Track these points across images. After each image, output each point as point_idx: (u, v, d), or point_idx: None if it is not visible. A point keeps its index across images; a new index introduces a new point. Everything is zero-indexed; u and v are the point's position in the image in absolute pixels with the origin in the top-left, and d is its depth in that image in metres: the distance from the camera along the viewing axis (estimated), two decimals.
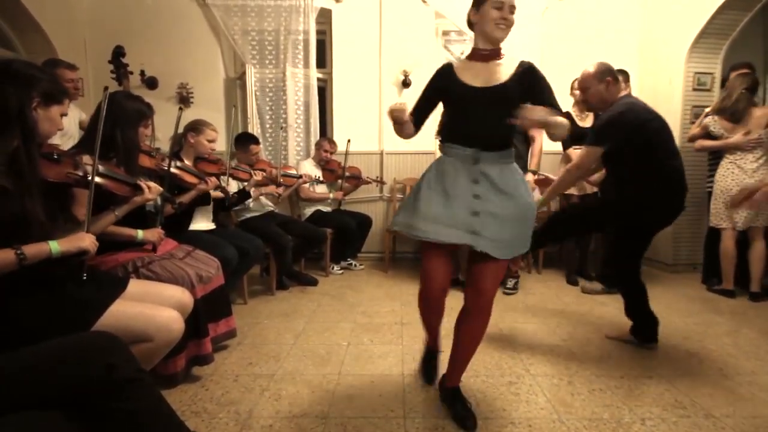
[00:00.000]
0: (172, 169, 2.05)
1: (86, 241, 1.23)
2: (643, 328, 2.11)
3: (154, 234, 1.75)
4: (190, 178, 2.22)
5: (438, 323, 1.67)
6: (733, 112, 2.87)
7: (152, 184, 1.63)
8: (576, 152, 2.24)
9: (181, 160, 2.30)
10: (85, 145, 1.57)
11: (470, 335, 1.54)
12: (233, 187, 2.86)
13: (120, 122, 1.61)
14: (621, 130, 1.94)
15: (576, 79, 3.32)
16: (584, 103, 2.15)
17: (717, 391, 1.71)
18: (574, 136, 2.58)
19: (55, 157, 1.28)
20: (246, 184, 2.87)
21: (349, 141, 3.91)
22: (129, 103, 1.69)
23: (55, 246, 1.14)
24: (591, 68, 2.07)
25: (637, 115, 1.96)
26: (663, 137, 2.00)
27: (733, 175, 2.90)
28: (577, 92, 3.31)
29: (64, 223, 1.27)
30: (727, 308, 2.72)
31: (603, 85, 2.04)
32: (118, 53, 2.92)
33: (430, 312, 1.61)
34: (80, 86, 2.74)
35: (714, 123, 2.97)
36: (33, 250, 1.10)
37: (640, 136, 1.94)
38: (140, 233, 1.70)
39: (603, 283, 3.05)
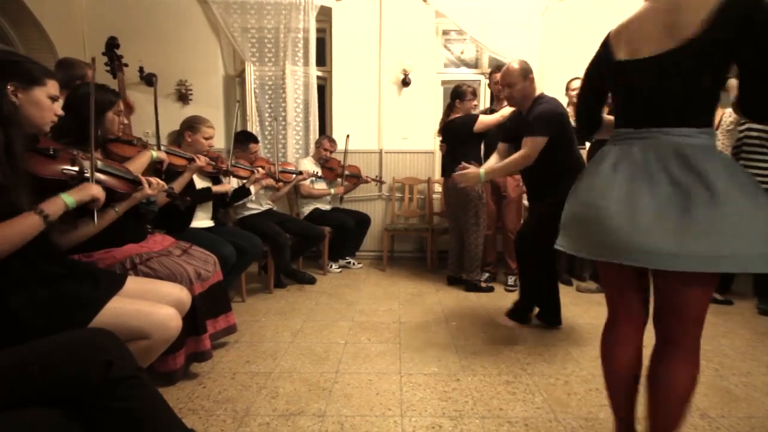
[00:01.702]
0: (158, 154, 1.95)
1: (94, 189, 1.26)
2: (554, 310, 2.37)
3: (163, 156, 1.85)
4: (178, 161, 2.17)
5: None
6: None
7: (153, 179, 1.62)
8: (503, 145, 2.41)
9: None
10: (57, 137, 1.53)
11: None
12: (233, 184, 2.85)
13: (84, 113, 1.57)
14: (559, 121, 2.12)
15: (572, 79, 3.33)
16: (507, 99, 2.26)
17: (712, 392, 1.71)
18: None
19: (51, 152, 1.26)
20: (246, 181, 2.87)
21: (348, 137, 3.90)
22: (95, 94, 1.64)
23: (68, 198, 1.18)
24: (515, 65, 2.18)
25: (562, 109, 2.18)
26: (572, 128, 2.20)
27: None
28: (572, 93, 3.33)
29: (60, 223, 1.25)
30: (724, 309, 2.73)
31: (527, 82, 2.18)
32: (112, 44, 2.81)
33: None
34: None
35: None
36: (51, 207, 1.12)
37: (565, 126, 2.15)
38: (154, 152, 1.78)
39: (598, 282, 3.10)
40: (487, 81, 3.33)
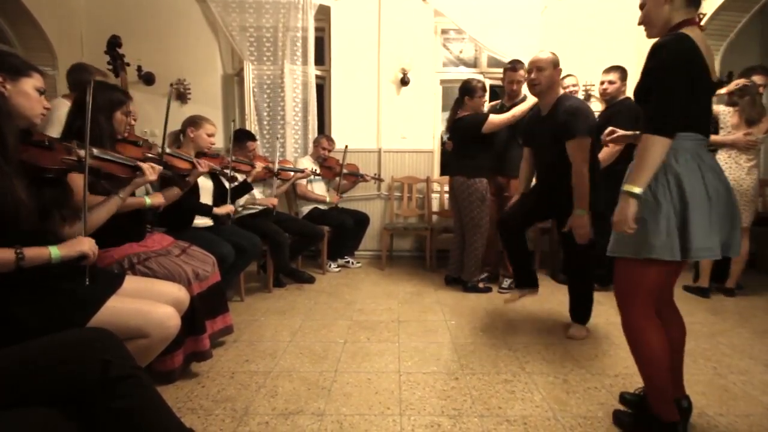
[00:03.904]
0: (152, 200, 1.95)
1: (85, 245, 1.22)
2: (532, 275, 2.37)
3: (158, 197, 1.77)
4: (181, 164, 2.14)
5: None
6: (753, 119, 2.90)
7: (153, 164, 1.60)
8: (528, 149, 2.41)
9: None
10: (67, 136, 1.52)
11: None
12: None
13: (93, 112, 1.58)
14: (591, 119, 2.08)
15: (565, 76, 3.30)
16: (532, 84, 2.19)
17: (710, 390, 1.72)
18: None
19: (47, 143, 1.25)
20: (246, 176, 2.87)
21: (346, 147, 3.84)
22: (101, 94, 1.61)
23: (55, 251, 1.14)
24: (548, 54, 2.17)
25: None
26: None
27: (730, 169, 2.92)
28: (565, 91, 3.30)
29: (59, 210, 1.25)
30: (722, 307, 2.74)
31: (556, 72, 2.16)
32: (114, 43, 2.79)
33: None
34: None
35: (726, 115, 2.98)
36: (33, 253, 1.09)
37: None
38: (147, 200, 1.71)
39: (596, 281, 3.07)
40: (502, 76, 3.22)
